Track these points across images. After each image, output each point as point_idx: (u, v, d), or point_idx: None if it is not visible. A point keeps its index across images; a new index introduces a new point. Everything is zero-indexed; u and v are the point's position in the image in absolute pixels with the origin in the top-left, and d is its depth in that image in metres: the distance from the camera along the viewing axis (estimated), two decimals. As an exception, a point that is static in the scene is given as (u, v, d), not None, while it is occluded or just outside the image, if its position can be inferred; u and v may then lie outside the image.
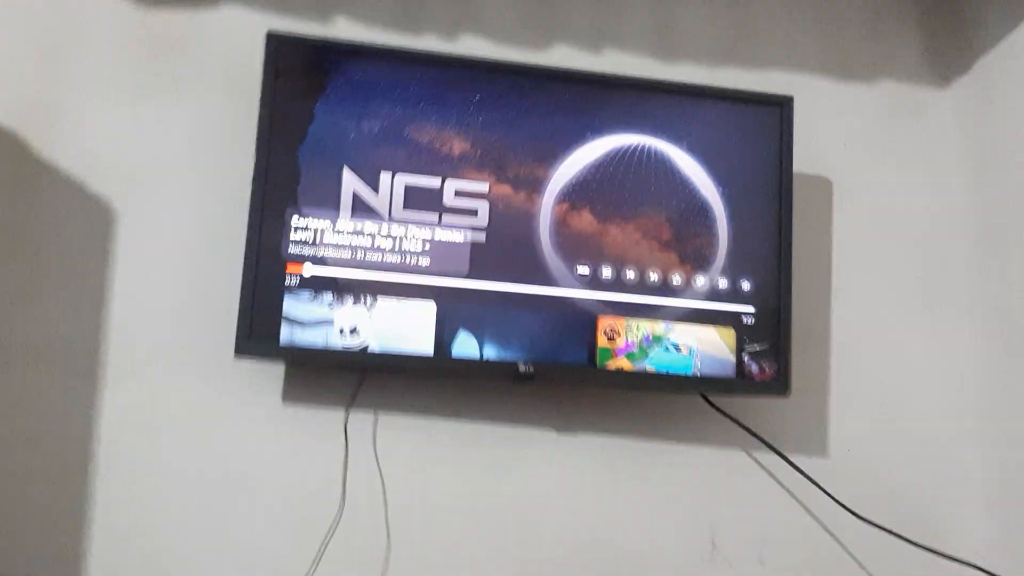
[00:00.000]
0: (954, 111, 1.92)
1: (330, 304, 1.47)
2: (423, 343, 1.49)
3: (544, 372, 1.51)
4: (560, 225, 1.56)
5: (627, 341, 1.55)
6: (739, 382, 1.57)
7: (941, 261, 1.85)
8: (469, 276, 1.52)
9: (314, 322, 1.47)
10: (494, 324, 1.51)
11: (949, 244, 1.86)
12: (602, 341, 1.54)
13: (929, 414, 1.78)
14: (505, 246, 1.53)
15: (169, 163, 1.61)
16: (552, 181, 1.57)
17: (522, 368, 1.50)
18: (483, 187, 1.55)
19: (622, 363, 1.54)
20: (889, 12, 1.96)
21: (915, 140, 1.90)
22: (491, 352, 1.50)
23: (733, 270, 1.60)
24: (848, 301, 1.80)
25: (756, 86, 1.77)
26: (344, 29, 1.71)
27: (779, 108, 1.66)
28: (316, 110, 1.52)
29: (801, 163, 1.80)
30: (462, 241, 1.52)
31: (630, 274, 1.56)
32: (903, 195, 1.87)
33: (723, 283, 1.59)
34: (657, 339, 1.56)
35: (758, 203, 1.63)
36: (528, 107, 1.58)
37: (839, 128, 1.88)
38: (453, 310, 1.51)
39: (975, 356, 1.80)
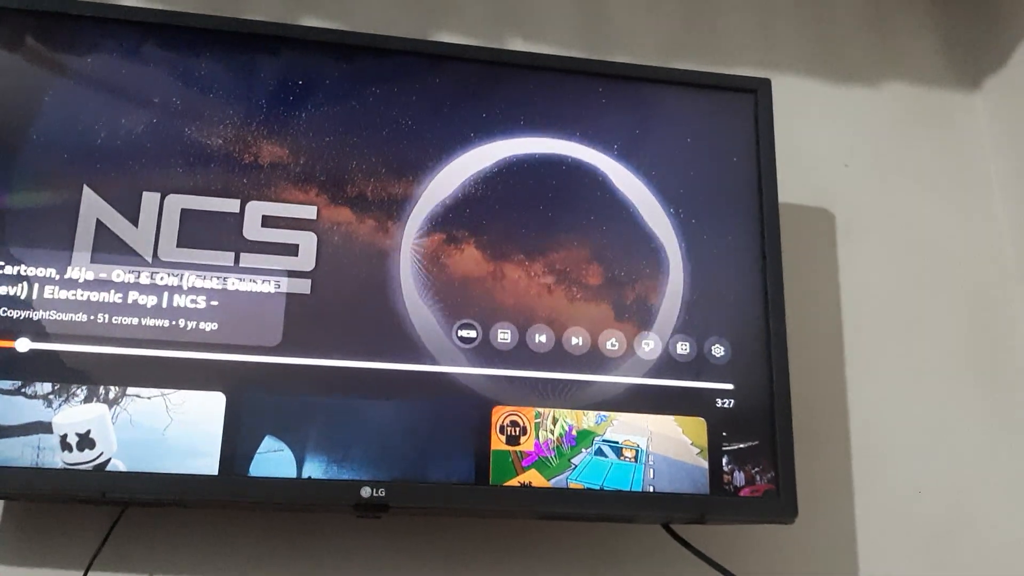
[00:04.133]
0: (989, 117, 1.42)
1: (47, 399, 0.91)
2: (203, 457, 0.92)
3: (404, 497, 0.94)
4: (430, 265, 1.01)
5: (539, 442, 0.98)
6: (716, 501, 1.00)
7: (993, 312, 1.31)
8: (281, 350, 0.96)
9: (21, 427, 0.90)
10: (322, 425, 0.95)
11: (1000, 288, 1.33)
12: (498, 443, 0.97)
13: (1003, 542, 1.20)
14: (342, 300, 0.98)
15: None
16: (419, 203, 1.03)
17: (368, 493, 0.92)
18: (308, 212, 1.01)
19: (531, 477, 0.97)
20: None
21: (941, 156, 1.41)
22: (316, 469, 0.93)
23: (698, 328, 1.05)
24: (868, 375, 1.26)
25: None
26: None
27: (752, 96, 1.14)
28: (45, 100, 0.98)
29: (789, 190, 1.28)
30: (272, 292, 0.97)
31: (540, 337, 1.01)
32: (931, 227, 1.35)
33: (684, 348, 1.04)
34: (586, 437, 0.99)
35: (728, 230, 1.09)
36: (379, 97, 1.06)
37: (838, 144, 1.37)
38: (254, 404, 0.94)
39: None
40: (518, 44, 1.31)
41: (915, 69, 1.45)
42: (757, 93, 1.13)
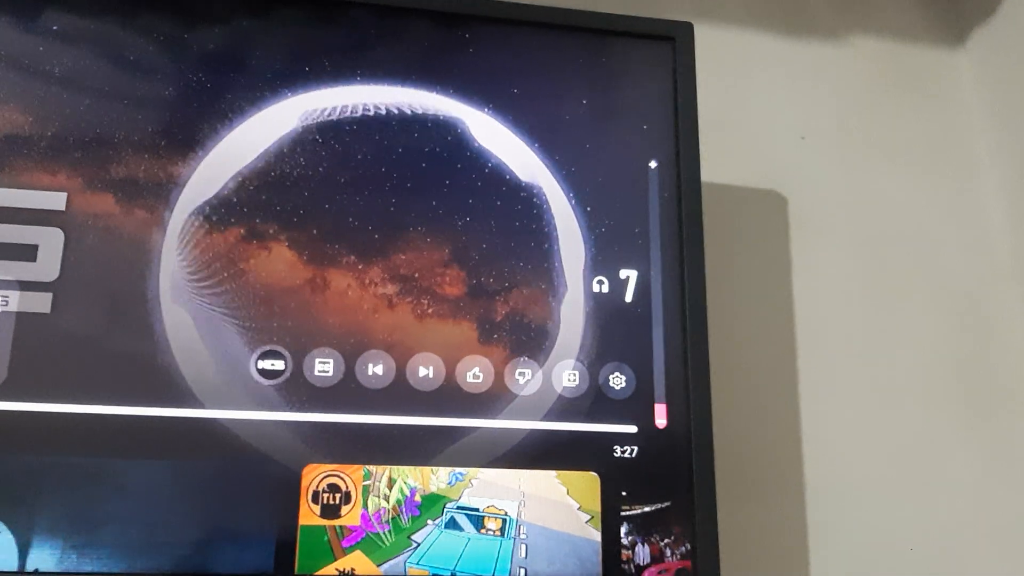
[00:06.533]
0: (976, 79, 1.16)
1: None
2: None
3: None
4: (223, 272, 0.74)
5: (367, 512, 0.72)
6: (612, 587, 0.74)
7: (982, 318, 1.06)
8: (5, 391, 0.69)
9: None
10: (58, 496, 0.68)
11: (991, 288, 1.07)
12: (310, 516, 0.71)
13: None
14: (95, 321, 0.71)
15: None
16: (207, 185, 0.76)
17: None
18: (55, 200, 0.73)
19: (355, 562, 0.71)
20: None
21: (918, 126, 1.15)
22: (48, 558, 0.67)
23: (592, 352, 0.78)
24: (828, 401, 0.99)
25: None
26: None
27: (669, 45, 0.87)
28: None
29: (732, 168, 1.04)
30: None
31: (374, 368, 0.74)
32: (905, 213, 1.09)
33: (572, 379, 0.77)
34: (434, 503, 0.73)
35: (636, 221, 0.82)
36: (163, 44, 0.78)
37: (793, 114, 1.11)
38: (-41, 467, 0.68)
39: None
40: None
41: (887, 22, 1.19)
42: (675, 41, 0.87)
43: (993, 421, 1.03)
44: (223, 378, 0.72)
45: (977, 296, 1.08)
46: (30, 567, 0.67)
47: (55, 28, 0.77)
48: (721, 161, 1.06)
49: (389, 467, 0.73)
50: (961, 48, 1.19)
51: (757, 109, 1.11)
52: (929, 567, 0.96)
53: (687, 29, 0.87)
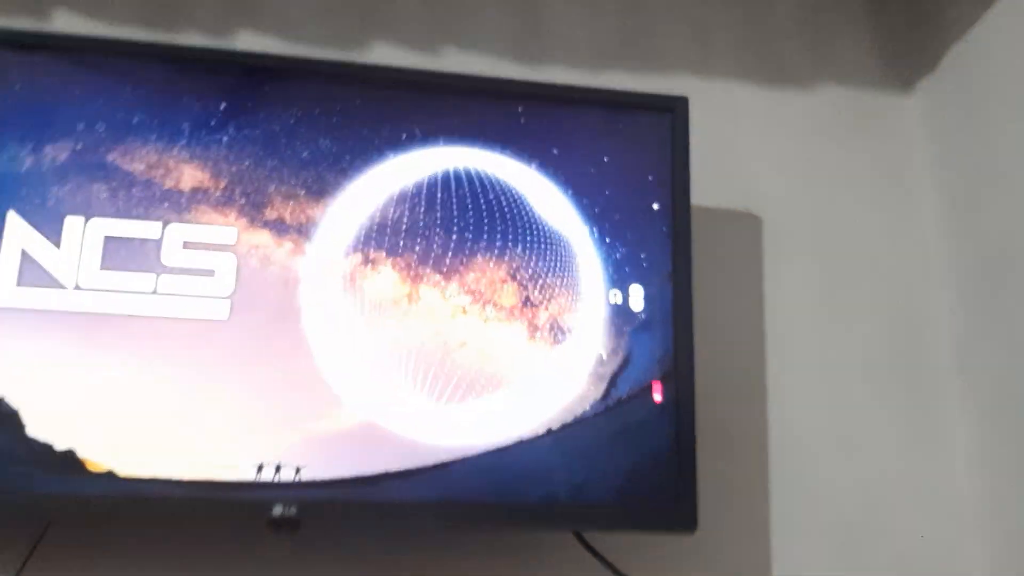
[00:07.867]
0: (923, 120, 1.44)
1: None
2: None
3: (322, 513, 0.98)
4: (339, 287, 1.04)
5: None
6: (622, 513, 1.05)
7: (917, 316, 1.35)
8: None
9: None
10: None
11: (924, 293, 1.36)
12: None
13: (922, 552, 1.24)
14: (259, 324, 1.02)
15: None
16: (335, 225, 1.06)
17: (280, 512, 0.97)
18: (228, 234, 1.04)
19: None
20: (827, 3, 1.49)
21: (871, 159, 1.43)
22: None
23: (610, 346, 1.09)
24: (791, 384, 1.28)
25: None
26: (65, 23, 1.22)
27: (669, 115, 1.16)
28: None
29: (718, 194, 1.31)
30: (192, 318, 1.01)
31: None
32: (860, 233, 1.38)
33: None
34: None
35: (644, 249, 1.12)
36: (300, 118, 1.08)
37: (768, 148, 1.39)
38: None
39: (979, 455, 1.27)
40: (452, 53, 1.33)
41: (848, 71, 1.46)
42: (674, 112, 1.16)
43: (920, 396, 1.31)
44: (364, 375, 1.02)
45: (914, 299, 1.36)
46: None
47: (223, 107, 1.07)
48: (709, 189, 1.34)
49: (464, 426, 1.04)
50: (909, 95, 1.47)
51: (740, 145, 1.39)
52: (867, 505, 1.25)
53: (683, 102, 1.16)
